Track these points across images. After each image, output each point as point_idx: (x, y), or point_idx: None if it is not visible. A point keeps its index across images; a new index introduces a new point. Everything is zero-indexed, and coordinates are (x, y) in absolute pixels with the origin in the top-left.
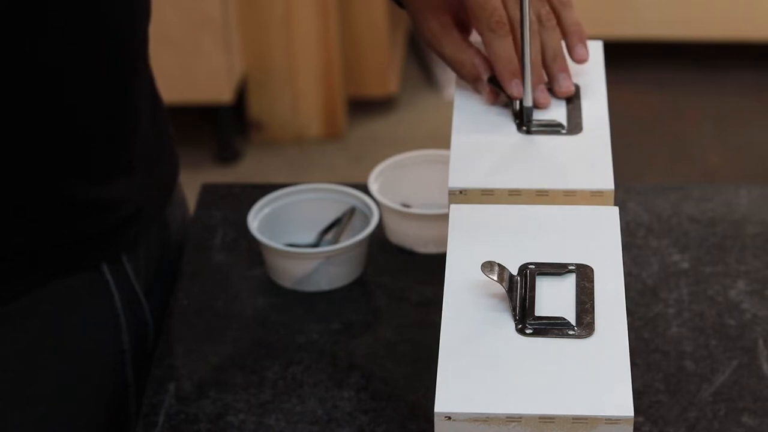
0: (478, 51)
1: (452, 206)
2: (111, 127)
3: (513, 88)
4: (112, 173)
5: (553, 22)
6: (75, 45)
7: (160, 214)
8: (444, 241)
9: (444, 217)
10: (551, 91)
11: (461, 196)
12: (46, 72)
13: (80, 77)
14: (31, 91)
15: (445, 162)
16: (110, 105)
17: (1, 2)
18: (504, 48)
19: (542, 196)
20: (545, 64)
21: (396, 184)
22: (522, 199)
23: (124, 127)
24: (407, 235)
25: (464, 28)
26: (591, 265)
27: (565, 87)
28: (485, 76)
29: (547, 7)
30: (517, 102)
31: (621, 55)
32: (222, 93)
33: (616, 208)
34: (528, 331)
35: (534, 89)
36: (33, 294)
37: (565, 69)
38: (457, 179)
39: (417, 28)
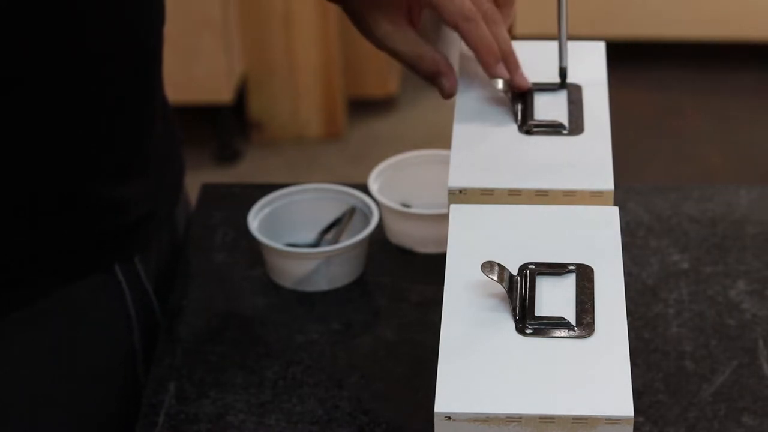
0: (433, 47)
1: (452, 206)
2: (129, 127)
3: (499, 71)
4: (128, 173)
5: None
6: (97, 46)
7: (170, 214)
8: (444, 241)
9: (444, 217)
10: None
11: (461, 195)
12: (66, 73)
13: (100, 78)
14: (52, 93)
15: (445, 162)
16: (129, 105)
17: (26, 7)
18: (483, 35)
19: (542, 196)
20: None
21: (396, 184)
22: (522, 199)
23: (141, 127)
24: (407, 235)
25: (413, 26)
26: (591, 265)
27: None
28: (445, 70)
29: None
30: (518, 104)
31: (621, 55)
32: (222, 93)
33: (616, 208)
34: (528, 331)
35: (515, 74)
36: (47, 296)
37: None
38: (457, 179)
39: (365, 29)
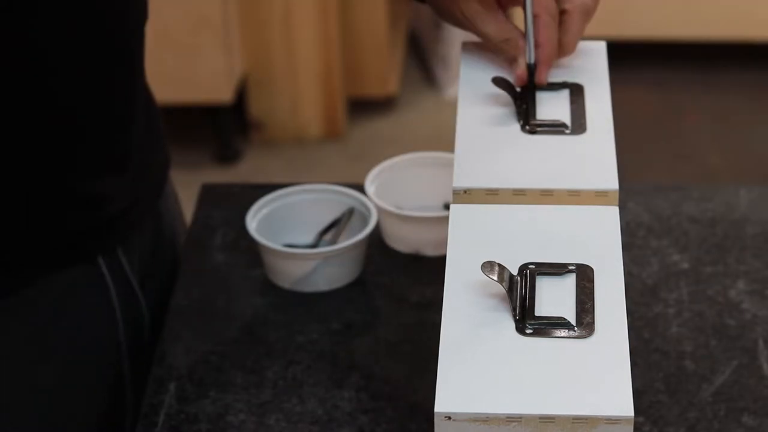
0: (521, 32)
1: (453, 206)
2: (108, 122)
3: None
4: (108, 167)
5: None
6: (71, 39)
7: (153, 205)
8: (441, 244)
9: (441, 220)
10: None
11: (465, 195)
12: (42, 67)
13: (76, 72)
14: (26, 86)
15: (441, 164)
16: (107, 101)
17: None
18: (553, 34)
19: (546, 196)
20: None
21: (392, 186)
22: (526, 199)
23: (121, 123)
24: (405, 239)
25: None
26: (591, 265)
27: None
28: (523, 58)
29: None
30: (521, 103)
31: (621, 55)
32: (222, 93)
33: (616, 208)
34: (528, 331)
35: (540, 70)
36: (31, 287)
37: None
38: (462, 179)
39: (450, 9)
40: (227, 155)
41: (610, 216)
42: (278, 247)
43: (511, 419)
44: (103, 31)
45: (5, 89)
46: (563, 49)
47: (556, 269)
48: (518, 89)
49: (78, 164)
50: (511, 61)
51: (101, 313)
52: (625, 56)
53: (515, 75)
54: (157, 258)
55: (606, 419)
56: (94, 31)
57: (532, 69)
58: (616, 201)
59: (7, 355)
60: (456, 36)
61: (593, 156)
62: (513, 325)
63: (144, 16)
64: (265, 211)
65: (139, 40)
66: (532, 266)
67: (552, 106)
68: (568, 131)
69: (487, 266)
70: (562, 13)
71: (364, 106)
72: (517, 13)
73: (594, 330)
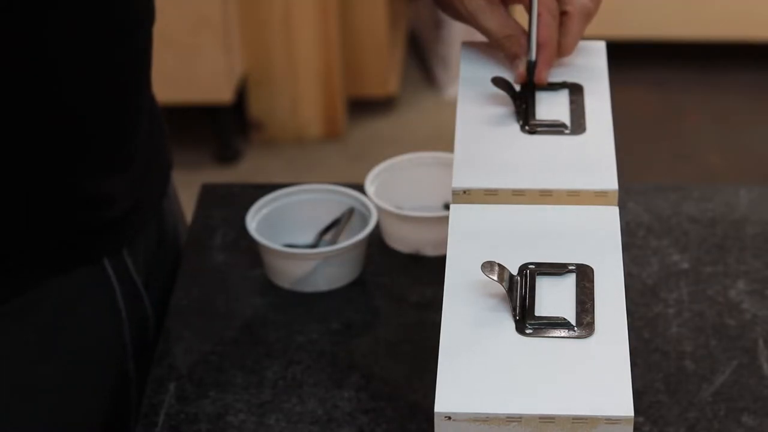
0: (523, 30)
1: (453, 206)
2: (113, 124)
3: (544, 75)
4: (113, 167)
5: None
6: (76, 40)
7: (156, 207)
8: (441, 244)
9: (440, 220)
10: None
11: (465, 195)
12: (48, 66)
13: (81, 74)
14: (32, 86)
15: (441, 164)
16: (114, 101)
17: (11, 3)
18: (554, 34)
19: (546, 196)
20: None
21: (392, 186)
22: (526, 199)
23: (126, 124)
24: (405, 239)
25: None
26: (591, 265)
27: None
28: (523, 56)
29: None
30: (520, 103)
31: (621, 55)
32: (222, 93)
33: (616, 208)
34: (528, 331)
35: (540, 69)
36: (37, 289)
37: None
38: (461, 179)
39: (456, 1)
40: (227, 155)
41: (610, 216)
42: (278, 247)
43: (511, 419)
44: (109, 32)
45: (9, 91)
46: (562, 50)
47: (556, 269)
48: (518, 89)
49: (83, 166)
50: (511, 59)
51: (107, 314)
52: (625, 56)
53: (516, 73)
54: (160, 258)
55: (606, 419)
56: (100, 33)
57: (532, 67)
58: (616, 201)
59: (13, 357)
60: (456, 36)
61: (593, 156)
62: (513, 325)
63: (151, 17)
64: (265, 211)
65: (144, 41)
66: (532, 266)
67: (551, 106)
68: (567, 131)
69: (487, 266)
70: (563, 14)
71: (364, 106)
72: (516, 11)
73: (594, 330)
